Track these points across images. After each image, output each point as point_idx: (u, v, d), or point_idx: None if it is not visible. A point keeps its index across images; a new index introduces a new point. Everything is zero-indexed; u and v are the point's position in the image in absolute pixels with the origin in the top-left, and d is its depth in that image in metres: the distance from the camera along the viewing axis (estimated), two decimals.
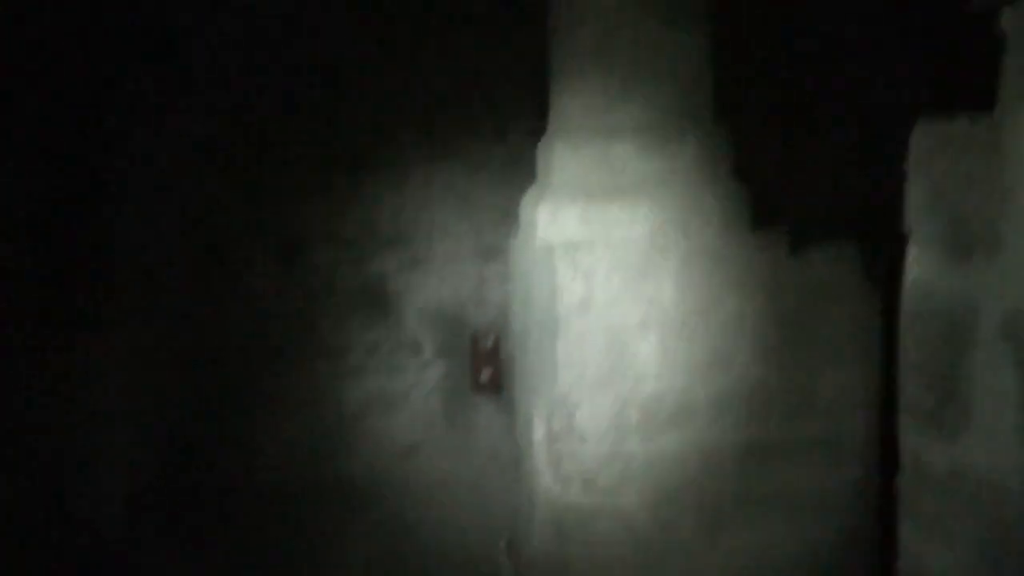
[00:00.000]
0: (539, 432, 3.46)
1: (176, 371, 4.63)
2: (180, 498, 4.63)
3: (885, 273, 2.92)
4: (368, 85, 4.56)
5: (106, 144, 4.48)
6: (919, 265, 1.65)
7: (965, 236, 1.57)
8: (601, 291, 3.30)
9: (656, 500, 3.36)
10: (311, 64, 4.52)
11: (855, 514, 3.47)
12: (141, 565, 4.59)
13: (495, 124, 4.55)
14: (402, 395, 4.78)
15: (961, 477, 1.55)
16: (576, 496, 3.36)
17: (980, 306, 1.55)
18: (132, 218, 4.55)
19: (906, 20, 3.51)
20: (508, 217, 4.35)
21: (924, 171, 1.62)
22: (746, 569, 3.42)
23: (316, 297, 4.72)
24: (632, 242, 3.32)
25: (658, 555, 3.38)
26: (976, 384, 1.55)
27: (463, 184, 4.67)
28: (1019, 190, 1.47)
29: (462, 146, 4.61)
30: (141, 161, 4.53)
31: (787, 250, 3.35)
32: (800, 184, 4.04)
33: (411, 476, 4.77)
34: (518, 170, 4.33)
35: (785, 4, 4.08)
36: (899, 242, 1.84)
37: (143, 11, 4.38)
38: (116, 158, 4.50)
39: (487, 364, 4.76)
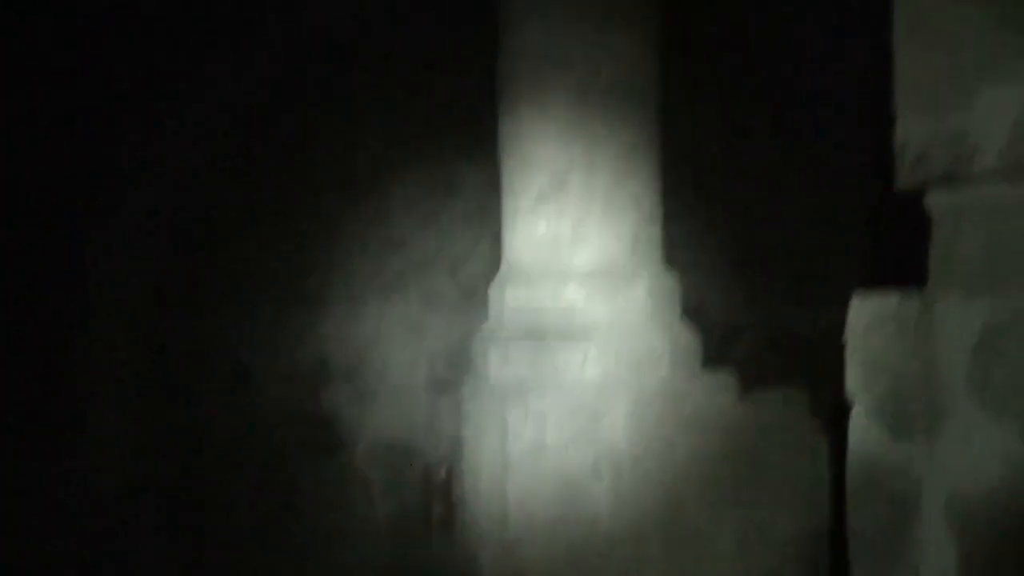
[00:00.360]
0: None
1: (119, 497, 4.47)
2: None
3: (834, 421, 2.94)
4: (324, 221, 4.60)
5: (51, 273, 4.44)
6: (861, 436, 1.66)
7: (903, 413, 1.58)
8: (553, 434, 3.28)
9: None
10: (264, 197, 4.56)
11: None
12: None
13: (449, 262, 4.59)
14: (351, 531, 4.65)
15: None
16: None
17: (923, 483, 1.55)
18: (80, 337, 4.48)
19: (845, 193, 3.64)
20: (461, 352, 4.35)
21: (861, 346, 1.64)
22: None
23: (264, 428, 4.63)
24: (584, 385, 3.31)
25: None
26: (922, 561, 1.54)
27: (417, 318, 4.67)
28: (950, 372, 1.49)
29: (416, 282, 4.63)
30: (87, 282, 4.48)
31: (738, 392, 3.36)
32: (750, 327, 4.10)
33: None
34: (471, 307, 4.35)
35: (729, 167, 4.20)
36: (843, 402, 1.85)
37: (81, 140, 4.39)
38: (54, 283, 4.45)
39: (439, 500, 4.65)
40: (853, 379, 1.66)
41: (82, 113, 4.38)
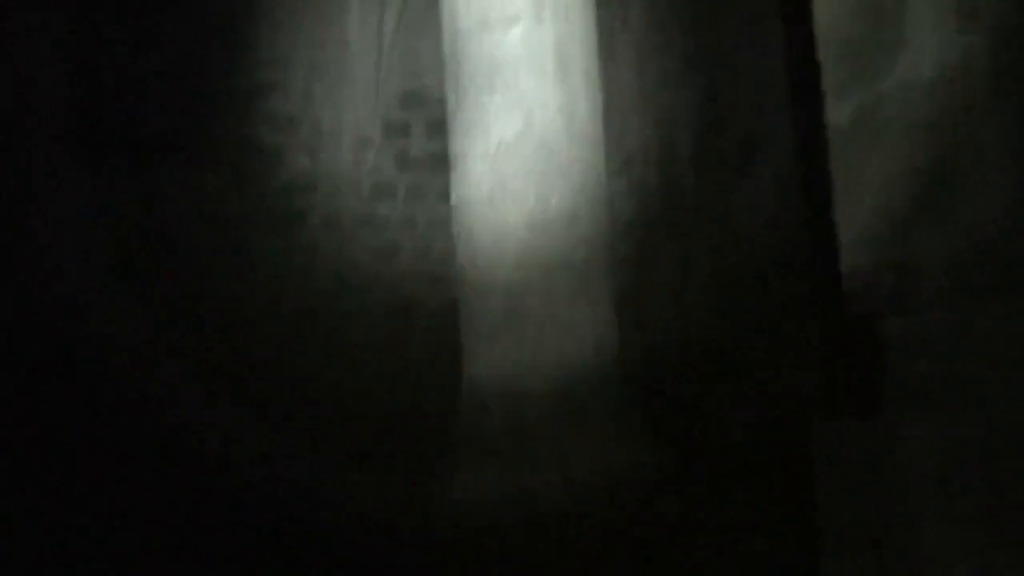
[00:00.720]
0: None
1: None
2: None
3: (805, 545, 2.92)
4: (291, 346, 4.59)
5: None
6: (833, 565, 1.66)
7: (872, 540, 1.59)
8: None
9: None
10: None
11: None
12: None
13: (412, 385, 4.58)
14: None
15: None
16: None
17: None
18: None
19: (803, 320, 3.63)
20: (429, 475, 4.29)
21: (827, 475, 1.66)
22: None
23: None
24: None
25: None
26: None
27: (382, 438, 4.62)
28: (917, 498, 1.51)
29: (380, 405, 4.60)
30: None
31: (704, 512, 3.34)
32: (713, 444, 4.08)
33: None
34: (437, 429, 4.32)
35: (682, 281, 4.22)
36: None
37: None
38: None
39: None
40: (822, 506, 1.67)
41: None
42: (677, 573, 3.24)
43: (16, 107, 4.29)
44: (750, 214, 3.44)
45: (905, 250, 1.59)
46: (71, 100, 4.44)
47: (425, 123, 4.80)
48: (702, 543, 3.29)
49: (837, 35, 1.75)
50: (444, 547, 3.55)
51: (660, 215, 4.06)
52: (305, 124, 4.72)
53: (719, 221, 3.69)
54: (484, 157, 3.42)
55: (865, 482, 1.62)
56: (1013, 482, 1.38)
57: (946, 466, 1.51)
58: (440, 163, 4.06)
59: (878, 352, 1.69)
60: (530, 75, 3.38)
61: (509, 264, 3.37)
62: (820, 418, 1.70)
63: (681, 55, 4.14)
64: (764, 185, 3.33)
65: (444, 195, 3.76)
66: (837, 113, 1.72)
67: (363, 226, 4.67)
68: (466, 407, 3.52)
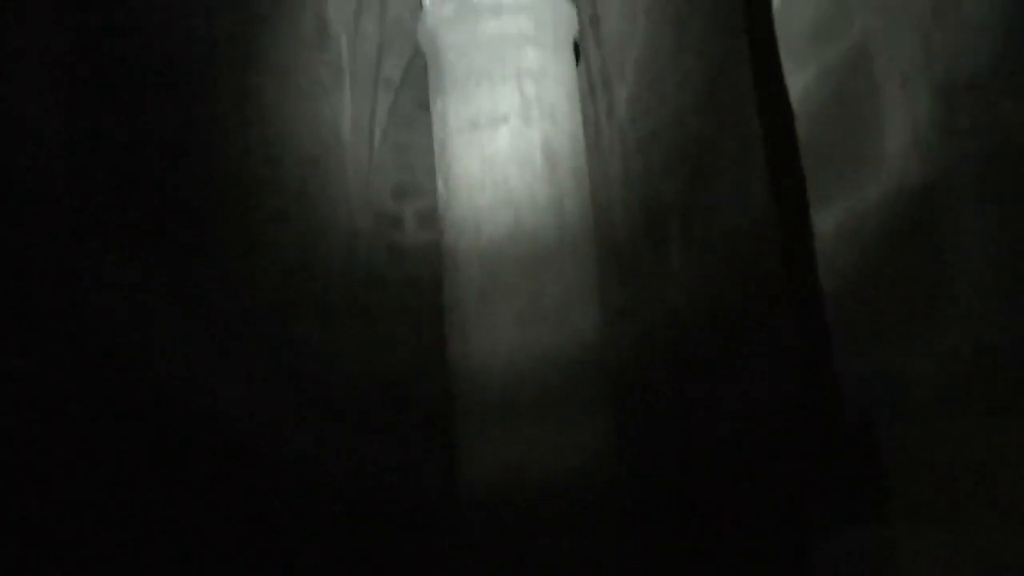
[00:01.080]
0: None
1: None
2: None
3: None
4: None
5: None
6: None
7: None
8: None
9: None
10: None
11: None
12: None
13: (402, 473, 4.53)
14: None
15: None
16: None
17: None
18: None
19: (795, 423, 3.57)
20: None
21: None
22: None
23: None
24: None
25: None
26: None
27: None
28: None
29: (367, 502, 4.55)
30: None
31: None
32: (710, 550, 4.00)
33: None
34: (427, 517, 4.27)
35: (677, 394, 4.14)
36: None
37: None
38: None
39: None
40: None
41: None
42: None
43: (20, 199, 4.34)
44: (740, 301, 3.46)
45: (899, 358, 1.60)
46: (70, 191, 4.47)
47: (416, 214, 4.86)
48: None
49: (819, 145, 1.79)
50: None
51: (652, 307, 4.06)
52: (298, 218, 4.76)
53: (710, 307, 3.70)
54: (475, 253, 3.45)
55: None
56: None
57: None
58: (432, 254, 4.09)
59: (877, 460, 1.69)
60: (519, 172, 3.43)
61: (502, 359, 3.37)
62: (825, 527, 1.69)
63: (666, 146, 4.21)
64: (751, 275, 3.36)
65: (437, 286, 3.78)
66: (823, 221, 1.75)
67: (356, 318, 4.68)
68: (464, 490, 3.49)
